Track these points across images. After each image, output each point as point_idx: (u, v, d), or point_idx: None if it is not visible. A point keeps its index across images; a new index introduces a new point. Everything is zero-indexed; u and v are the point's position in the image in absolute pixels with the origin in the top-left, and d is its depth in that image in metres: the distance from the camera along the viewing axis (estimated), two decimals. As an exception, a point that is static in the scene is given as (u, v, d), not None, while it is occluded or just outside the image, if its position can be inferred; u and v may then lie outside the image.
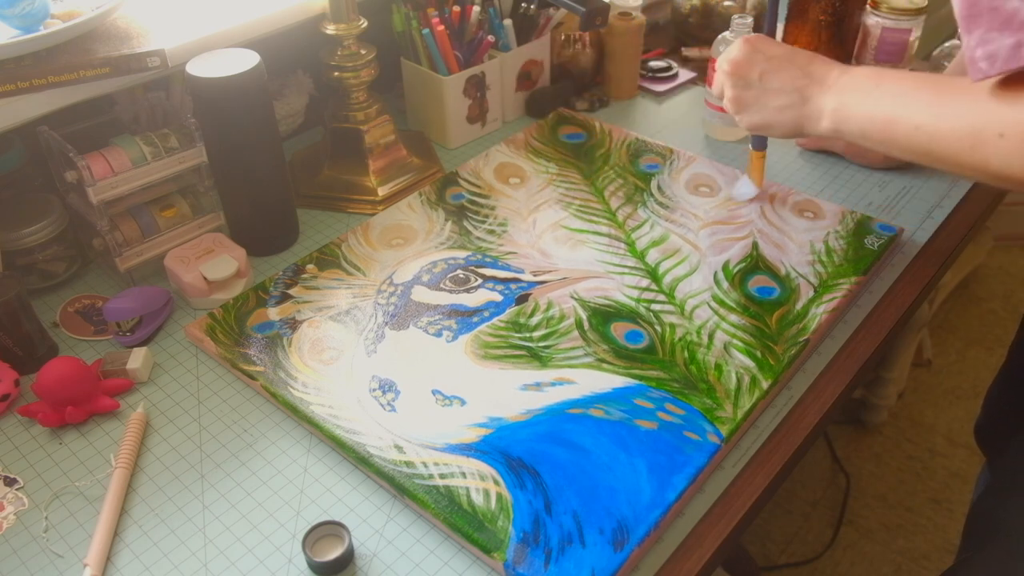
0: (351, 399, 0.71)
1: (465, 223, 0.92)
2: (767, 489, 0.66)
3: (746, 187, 0.94)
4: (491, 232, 0.90)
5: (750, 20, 1.02)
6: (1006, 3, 0.48)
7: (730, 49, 0.74)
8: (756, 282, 0.82)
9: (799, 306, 0.79)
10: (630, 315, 0.79)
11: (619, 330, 0.77)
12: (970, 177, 0.59)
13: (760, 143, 0.91)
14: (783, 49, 0.71)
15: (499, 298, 0.81)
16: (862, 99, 0.64)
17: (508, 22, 1.07)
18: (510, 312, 0.79)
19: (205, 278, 0.82)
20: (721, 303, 0.80)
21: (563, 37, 1.15)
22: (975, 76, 0.52)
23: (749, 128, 0.75)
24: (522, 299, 0.81)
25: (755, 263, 0.84)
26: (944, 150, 0.57)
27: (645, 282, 0.83)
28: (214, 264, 0.83)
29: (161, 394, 0.75)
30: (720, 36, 1.03)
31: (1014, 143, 0.51)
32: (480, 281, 0.83)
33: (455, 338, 0.77)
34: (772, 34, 0.80)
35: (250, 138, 0.84)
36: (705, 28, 1.28)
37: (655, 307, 0.79)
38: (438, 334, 0.77)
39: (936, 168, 0.62)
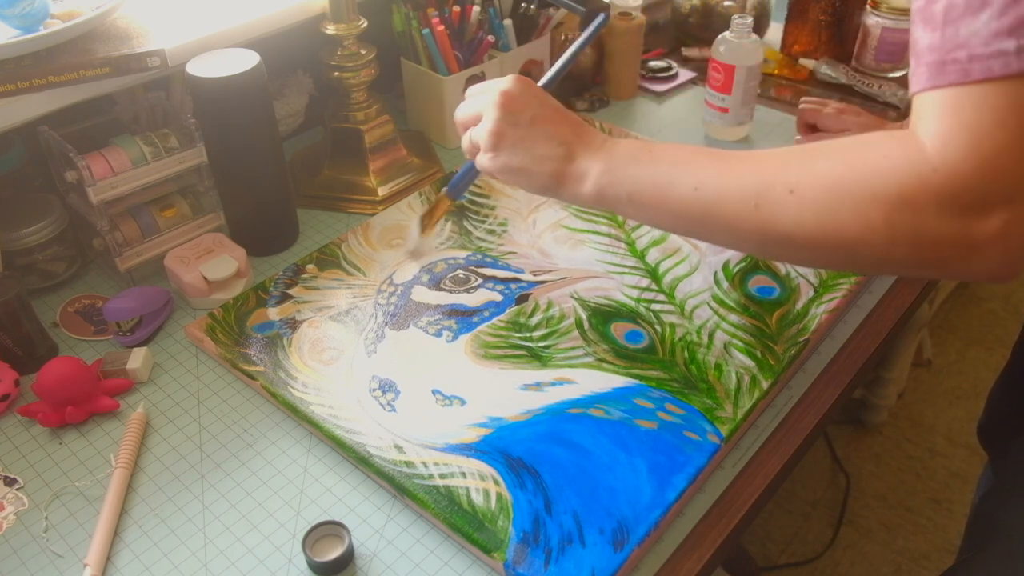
0: (351, 399, 0.71)
1: (465, 223, 0.92)
2: (767, 489, 0.66)
3: (412, 238, 0.81)
4: (491, 232, 0.90)
5: (750, 20, 1.02)
6: (913, 31, 0.48)
7: (502, 81, 0.66)
8: (756, 282, 0.82)
9: (799, 306, 0.79)
10: (630, 315, 0.79)
11: (619, 330, 0.77)
12: (748, 246, 0.55)
13: (456, 188, 0.74)
14: (559, 104, 0.66)
15: (499, 298, 0.81)
16: (632, 163, 0.59)
17: (508, 22, 1.07)
18: (510, 312, 0.79)
19: (205, 278, 0.82)
20: (721, 303, 0.80)
21: (563, 37, 1.15)
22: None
23: (499, 170, 0.65)
24: (522, 299, 0.81)
25: (755, 263, 0.84)
26: (725, 212, 0.53)
27: (645, 282, 0.83)
28: (214, 264, 0.83)
29: (161, 394, 0.75)
30: (720, 36, 1.03)
31: (806, 196, 0.49)
32: (480, 281, 0.83)
33: (455, 338, 0.77)
34: (550, 89, 0.72)
35: (250, 138, 0.84)
36: (705, 28, 1.28)
37: (655, 307, 0.79)
38: (438, 334, 0.77)
39: (710, 240, 0.58)
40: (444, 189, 0.75)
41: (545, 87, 0.71)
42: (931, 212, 0.44)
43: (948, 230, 0.44)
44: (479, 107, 0.65)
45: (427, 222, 0.79)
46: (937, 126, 0.44)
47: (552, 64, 0.74)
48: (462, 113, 0.68)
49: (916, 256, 0.46)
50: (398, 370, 0.74)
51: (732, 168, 0.54)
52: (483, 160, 0.65)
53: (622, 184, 0.59)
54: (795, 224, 0.49)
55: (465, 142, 0.68)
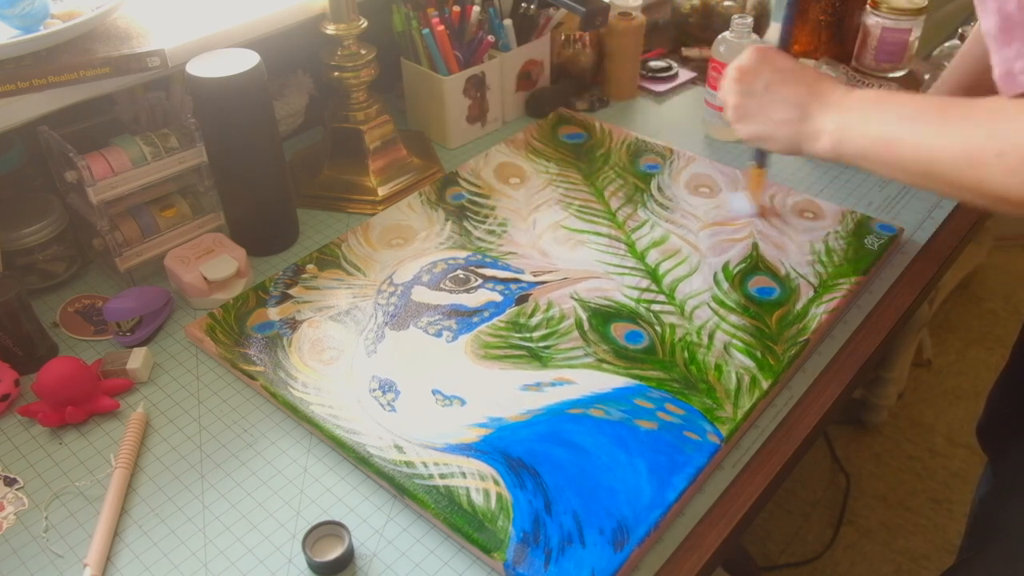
0: (351, 399, 0.71)
1: (465, 223, 0.92)
2: (767, 489, 0.66)
3: (743, 203, 0.92)
4: (491, 232, 0.90)
5: (750, 20, 1.02)
6: None
7: (740, 56, 0.73)
8: (756, 282, 0.82)
9: (799, 306, 0.79)
10: (630, 315, 0.79)
11: (619, 330, 0.77)
12: (971, 200, 0.57)
13: (762, 158, 0.89)
14: (792, 63, 0.70)
15: (499, 298, 0.81)
16: (864, 119, 0.62)
17: (508, 22, 1.07)
18: (510, 312, 0.79)
19: (205, 278, 0.82)
20: (721, 304, 0.80)
21: (563, 37, 1.15)
22: (1013, 91, 0.51)
23: (747, 138, 0.74)
24: (522, 299, 0.81)
25: (755, 264, 0.84)
26: (943, 170, 0.56)
27: (645, 283, 0.83)
28: (214, 264, 0.83)
29: (161, 394, 0.75)
30: (720, 36, 1.03)
31: (1013, 161, 0.50)
32: (480, 281, 0.83)
33: (455, 338, 0.77)
34: (785, 47, 0.79)
35: (250, 138, 0.84)
36: (705, 28, 1.28)
37: (655, 307, 0.79)
38: (438, 334, 0.77)
39: (939, 192, 0.60)
40: (751, 162, 0.89)
41: (782, 46, 0.77)
42: None
43: None
44: (725, 86, 0.73)
45: (757, 195, 0.90)
46: None
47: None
48: (720, 96, 0.76)
49: None
50: (398, 370, 0.74)
51: (950, 126, 0.55)
52: (734, 128, 0.73)
53: (853, 141, 0.62)
54: (1004, 187, 0.51)
55: (727, 118, 0.75)
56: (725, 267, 0.84)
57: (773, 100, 0.69)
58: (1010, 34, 0.51)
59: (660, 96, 1.20)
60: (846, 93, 0.65)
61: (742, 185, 0.95)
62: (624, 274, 0.84)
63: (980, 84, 0.90)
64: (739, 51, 1.01)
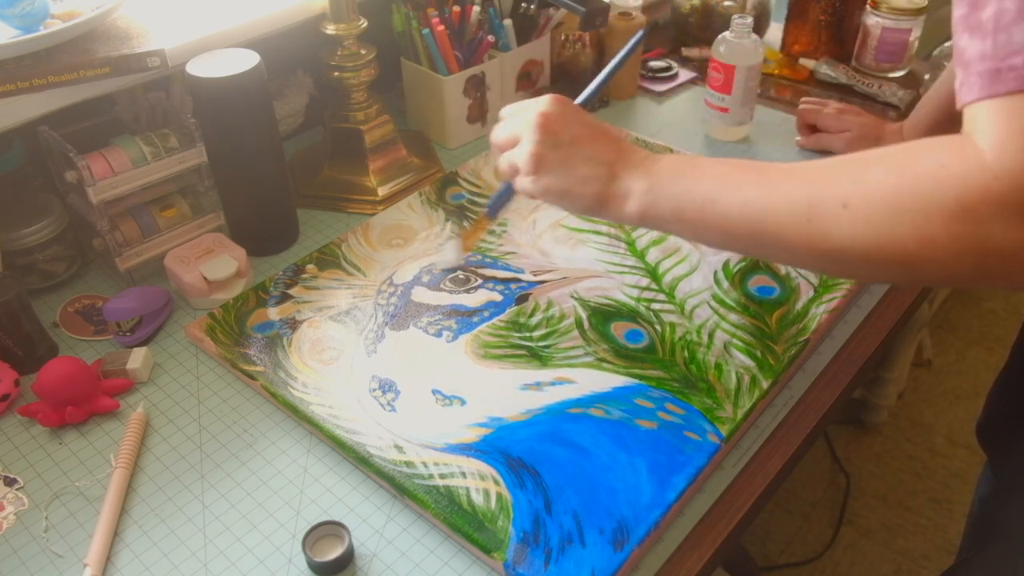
0: (351, 399, 0.71)
1: (465, 223, 0.92)
2: (767, 489, 0.66)
3: (453, 253, 0.83)
4: (491, 232, 0.90)
5: (750, 20, 1.02)
6: (958, 40, 0.46)
7: (540, 100, 0.64)
8: (756, 282, 0.82)
9: (799, 306, 0.79)
10: (630, 314, 0.79)
11: (619, 329, 0.77)
12: (801, 261, 0.54)
13: (495, 210, 0.74)
14: (596, 120, 0.65)
15: (499, 298, 0.81)
16: (676, 180, 0.58)
17: (508, 22, 1.07)
18: (510, 312, 0.79)
19: (205, 278, 0.82)
20: (721, 302, 0.80)
21: (563, 37, 1.15)
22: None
23: (542, 192, 0.64)
24: (522, 299, 0.81)
25: (755, 262, 0.84)
26: (775, 228, 0.52)
27: (645, 281, 0.83)
28: (214, 264, 0.83)
29: (161, 394, 0.75)
30: (720, 36, 1.03)
31: (860, 210, 0.47)
32: (480, 281, 0.83)
33: (455, 338, 0.77)
34: (588, 107, 0.72)
35: (250, 138, 0.84)
36: (705, 28, 1.28)
37: (655, 306, 0.79)
38: (438, 334, 0.77)
39: (759, 255, 0.56)
40: (484, 212, 0.75)
41: (582, 104, 0.70)
42: (996, 222, 0.42)
43: (1015, 239, 0.42)
44: (516, 129, 0.64)
45: (468, 244, 0.80)
46: (996, 134, 0.42)
47: (591, 81, 0.74)
48: (498, 135, 0.66)
49: (981, 268, 0.44)
50: (398, 370, 0.74)
51: (779, 182, 0.52)
52: (524, 183, 0.64)
53: (667, 202, 0.58)
54: (850, 239, 0.48)
55: (503, 164, 0.66)
56: (725, 266, 0.84)
57: (578, 155, 0.62)
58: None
59: (660, 96, 1.20)
60: (654, 156, 0.61)
61: (455, 233, 0.89)
62: (624, 273, 0.84)
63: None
64: (740, 51, 1.01)
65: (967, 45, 0.45)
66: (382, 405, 0.70)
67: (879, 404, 1.62)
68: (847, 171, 0.49)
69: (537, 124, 0.62)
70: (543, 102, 0.64)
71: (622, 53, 0.74)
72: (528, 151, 0.62)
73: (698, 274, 0.83)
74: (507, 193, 0.72)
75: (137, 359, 0.75)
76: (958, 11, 0.46)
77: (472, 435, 0.67)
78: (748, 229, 0.53)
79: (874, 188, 0.47)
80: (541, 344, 0.76)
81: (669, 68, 1.23)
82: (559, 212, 0.93)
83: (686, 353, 0.74)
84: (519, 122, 0.64)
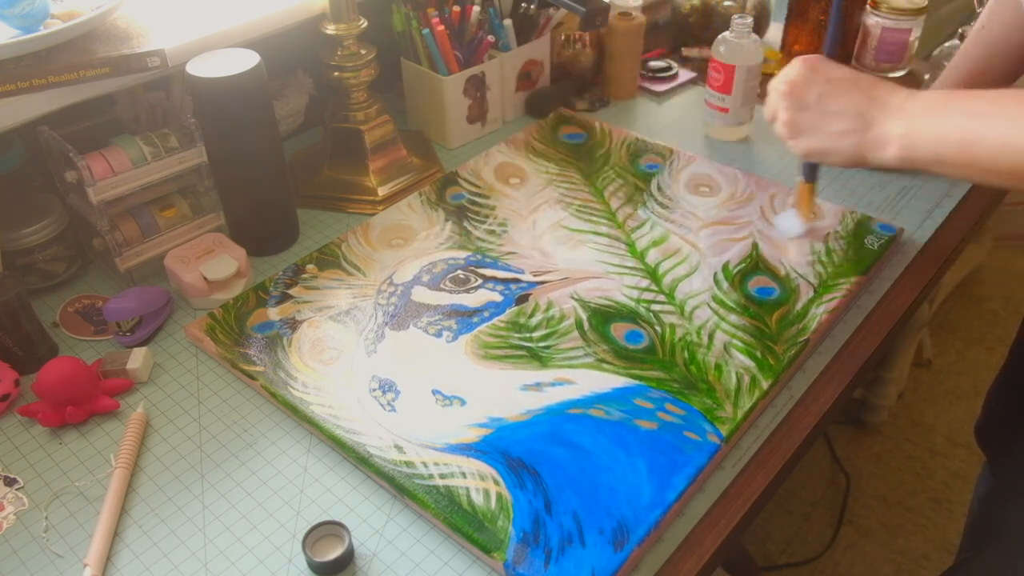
0: (351, 399, 0.71)
1: (465, 223, 0.92)
2: (767, 489, 0.66)
3: (792, 222, 0.87)
4: (491, 232, 0.90)
5: (750, 20, 1.02)
6: None
7: (787, 68, 0.68)
8: (756, 282, 0.82)
9: (799, 306, 0.79)
10: (630, 315, 0.79)
11: (619, 330, 0.77)
12: None
13: (811, 173, 0.83)
14: (844, 71, 0.67)
15: (499, 298, 0.81)
16: (934, 121, 0.58)
17: (508, 22, 1.07)
18: (510, 312, 0.79)
19: (205, 278, 0.82)
20: (721, 303, 0.80)
21: (563, 37, 1.15)
22: None
23: (804, 154, 0.69)
24: (522, 299, 0.81)
25: (755, 263, 0.84)
26: None
27: (645, 282, 0.83)
28: (214, 264, 0.83)
29: (161, 394, 0.75)
30: (720, 36, 1.03)
31: None
32: (480, 281, 0.83)
33: (455, 338, 0.77)
34: (834, 55, 0.74)
35: (250, 138, 0.84)
36: (705, 28, 1.28)
37: (655, 307, 0.79)
38: (438, 334, 0.77)
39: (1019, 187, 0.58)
40: (799, 178, 0.83)
41: (831, 54, 0.73)
42: None
43: None
44: (772, 102, 0.69)
45: (806, 210, 0.85)
46: None
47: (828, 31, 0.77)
48: (766, 113, 0.72)
49: None
50: (398, 370, 0.74)
51: None
52: (789, 145, 0.69)
53: (925, 145, 0.59)
54: None
55: (776, 135, 0.72)
56: (725, 267, 0.84)
57: (829, 112, 0.65)
58: None
59: (660, 96, 1.20)
60: (910, 96, 0.62)
61: (791, 202, 0.90)
62: (624, 274, 0.84)
63: (979, 85, 0.90)
64: (740, 51, 1.01)
65: None
66: (382, 405, 0.70)
67: (879, 404, 1.62)
68: None
69: (783, 92, 0.67)
70: (788, 68, 0.68)
71: None
72: (782, 119, 0.68)
73: (698, 275, 0.83)
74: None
75: (137, 359, 0.75)
76: None
77: (472, 435, 0.67)
78: (1012, 168, 0.54)
79: None
80: (541, 345, 0.76)
81: (669, 68, 1.23)
82: (559, 213, 0.93)
83: (686, 354, 0.74)
84: (773, 95, 0.69)
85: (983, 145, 0.55)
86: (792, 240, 0.86)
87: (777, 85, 0.69)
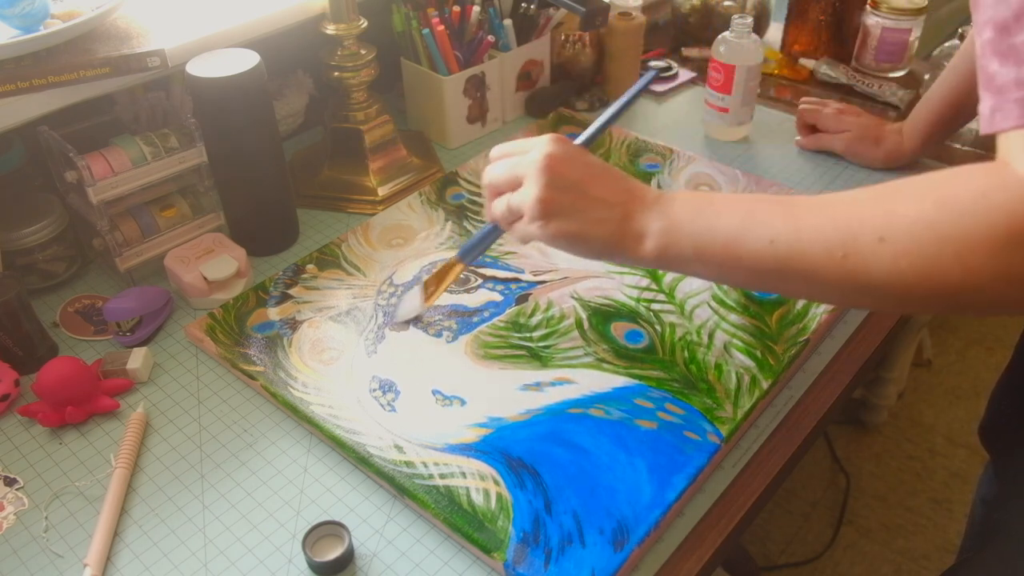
0: (351, 399, 0.71)
1: (465, 223, 0.92)
2: (767, 489, 0.66)
3: (414, 302, 0.78)
4: (491, 232, 0.90)
5: (750, 20, 1.02)
6: (988, 65, 0.45)
7: (539, 143, 0.60)
8: (756, 282, 0.82)
9: (799, 306, 0.79)
10: (630, 315, 0.79)
11: (619, 330, 0.77)
12: (832, 297, 0.52)
13: (472, 254, 0.73)
14: (599, 160, 0.61)
15: (499, 298, 0.81)
16: (696, 217, 0.55)
17: (508, 22, 1.07)
18: (510, 312, 0.79)
19: (205, 278, 0.82)
20: (721, 303, 0.80)
21: (563, 37, 1.15)
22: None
23: (552, 237, 0.60)
24: (522, 299, 0.81)
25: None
26: (806, 265, 0.50)
27: (645, 282, 0.83)
28: (214, 264, 0.83)
29: (161, 394, 0.75)
30: (720, 36, 1.03)
31: (900, 243, 0.45)
32: (480, 281, 0.83)
33: (455, 338, 0.77)
34: (588, 147, 0.68)
35: (250, 138, 0.84)
36: (705, 28, 1.28)
37: (655, 307, 0.79)
38: (438, 334, 0.77)
39: (787, 293, 0.54)
40: (456, 254, 0.73)
41: (584, 145, 0.68)
42: None
43: None
44: (517, 171, 0.61)
45: (433, 290, 0.77)
46: None
47: (592, 124, 0.70)
48: (495, 177, 0.63)
49: None
50: (398, 370, 0.74)
51: (806, 218, 0.50)
52: (531, 229, 0.61)
53: (687, 240, 0.55)
54: (890, 273, 0.46)
55: (500, 208, 0.63)
56: (725, 267, 0.84)
57: (588, 197, 0.59)
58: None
59: (660, 96, 1.20)
60: (668, 195, 0.58)
61: (422, 279, 0.80)
62: (624, 273, 0.84)
63: (967, 102, 0.90)
64: (740, 51, 1.01)
65: (998, 71, 0.44)
66: (382, 405, 0.70)
67: (879, 404, 1.62)
68: (880, 203, 0.47)
69: (543, 166, 0.59)
70: (545, 142, 0.60)
71: (625, 97, 0.71)
72: (535, 195, 0.59)
73: (698, 274, 0.83)
74: (487, 236, 0.69)
75: (137, 359, 0.75)
76: (984, 36, 0.44)
77: (472, 435, 0.67)
78: (777, 267, 0.51)
79: (912, 220, 0.45)
80: (541, 344, 0.76)
81: (669, 68, 1.23)
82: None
83: (686, 353, 0.74)
84: (519, 163, 0.61)
85: (747, 242, 0.52)
86: (395, 324, 0.78)
87: (533, 157, 0.60)
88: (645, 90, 0.73)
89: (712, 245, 0.54)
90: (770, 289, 0.55)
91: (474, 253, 0.73)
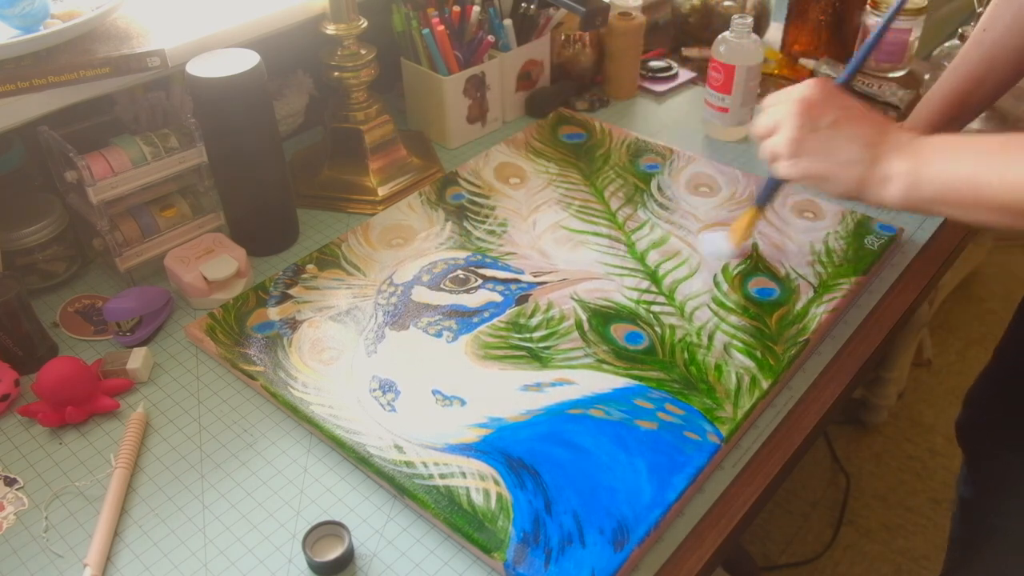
0: (351, 399, 0.71)
1: (465, 223, 0.92)
2: (767, 489, 0.66)
3: (723, 244, 0.85)
4: (491, 232, 0.90)
5: (750, 20, 1.02)
6: None
7: (800, 87, 0.65)
8: (756, 283, 0.82)
9: (799, 306, 0.79)
10: (630, 316, 0.79)
11: (619, 331, 0.77)
12: None
13: (766, 199, 0.81)
14: (857, 102, 0.65)
15: (499, 299, 0.81)
16: (939, 160, 0.58)
17: (508, 22, 1.07)
18: (510, 313, 0.79)
19: (205, 278, 0.82)
20: (721, 304, 0.80)
21: (563, 37, 1.15)
22: None
23: (801, 175, 0.66)
24: (522, 300, 0.81)
25: (755, 264, 0.84)
26: None
27: (645, 284, 0.83)
28: (214, 264, 0.83)
29: (161, 394, 0.75)
30: (720, 36, 1.03)
31: None
32: (480, 281, 0.83)
33: (455, 338, 0.77)
34: (848, 86, 0.72)
35: (250, 138, 0.84)
36: (705, 28, 1.28)
37: (655, 308, 0.79)
38: (438, 334, 0.77)
39: None
40: (754, 203, 0.80)
41: (844, 84, 0.71)
42: None
43: None
44: (776, 117, 0.66)
45: (740, 236, 0.83)
46: None
47: (852, 58, 0.75)
48: (760, 126, 0.68)
49: None
50: (398, 370, 0.74)
51: None
52: (784, 167, 0.66)
53: (929, 185, 0.58)
54: None
55: (764, 151, 0.68)
56: (725, 268, 0.84)
57: (839, 138, 0.63)
58: None
59: (660, 96, 1.20)
60: (920, 138, 0.61)
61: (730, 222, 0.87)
62: (624, 275, 0.84)
63: (967, 102, 0.90)
64: (740, 51, 1.01)
65: None
66: (382, 405, 0.70)
67: (879, 404, 1.62)
68: None
69: (796, 110, 0.64)
70: (802, 87, 0.65)
71: (888, 16, 0.75)
72: (787, 136, 0.64)
73: (698, 277, 0.83)
74: (775, 183, 0.75)
75: (137, 359, 0.75)
76: None
77: (472, 435, 0.67)
78: (1019, 208, 0.54)
79: None
80: (541, 345, 0.76)
81: (669, 68, 1.23)
82: (559, 213, 0.93)
83: (686, 354, 0.74)
84: (779, 111, 0.66)
85: (988, 185, 0.55)
86: (718, 259, 0.84)
87: (788, 101, 0.65)
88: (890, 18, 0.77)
89: (953, 189, 0.57)
90: (1012, 227, 0.58)
91: (764, 198, 0.81)
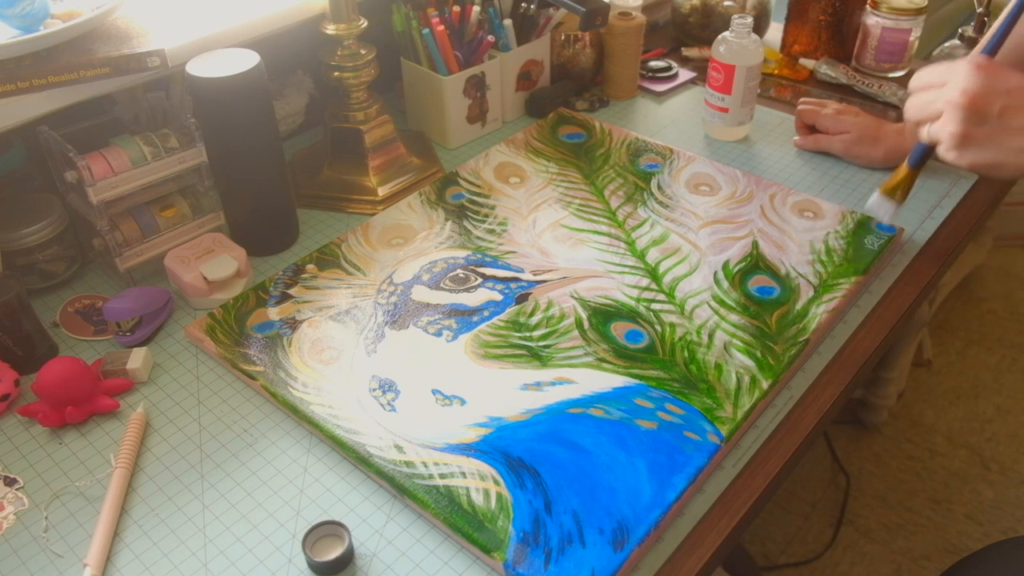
0: (351, 399, 0.71)
1: (465, 223, 0.92)
2: (767, 489, 0.66)
3: (885, 205, 0.85)
4: (491, 231, 0.90)
5: (750, 20, 1.02)
6: None
7: (959, 75, 0.63)
8: (756, 282, 0.82)
9: (799, 306, 0.79)
10: (630, 315, 0.79)
11: (619, 330, 0.77)
12: None
13: (920, 161, 0.80)
14: (1022, 80, 0.63)
15: (499, 297, 0.81)
16: None
17: (508, 22, 1.07)
18: (510, 311, 0.79)
19: (205, 278, 0.82)
20: (721, 303, 0.80)
21: (563, 37, 1.15)
22: None
23: (968, 166, 0.65)
24: (522, 298, 0.81)
25: (755, 263, 0.84)
26: None
27: (645, 281, 0.83)
28: (214, 264, 0.83)
29: (161, 394, 0.75)
30: (720, 36, 1.03)
31: None
32: (480, 280, 0.83)
33: (455, 338, 0.77)
34: (998, 47, 0.71)
35: (250, 138, 0.84)
36: (705, 28, 1.28)
37: (655, 307, 0.79)
38: (438, 334, 0.77)
39: None
40: (907, 162, 0.81)
41: (992, 49, 0.70)
42: None
43: None
44: (936, 104, 0.64)
45: (901, 195, 0.83)
46: None
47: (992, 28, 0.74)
48: (916, 110, 0.67)
49: None
50: (398, 370, 0.74)
51: None
52: (951, 156, 0.65)
53: None
54: None
55: (924, 134, 0.67)
56: (725, 266, 0.84)
57: (1010, 127, 0.61)
58: None
59: (660, 96, 1.20)
60: None
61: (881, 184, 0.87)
62: (624, 273, 0.84)
63: None
64: (740, 51, 1.01)
65: None
66: (382, 405, 0.70)
67: (879, 404, 1.62)
68: None
69: (961, 105, 0.62)
70: (964, 75, 0.63)
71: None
72: (951, 131, 0.63)
73: (698, 274, 0.83)
74: (929, 149, 0.75)
75: (137, 359, 0.75)
76: None
77: (472, 435, 0.67)
78: None
79: None
80: (541, 344, 0.76)
81: (669, 68, 1.23)
82: (559, 212, 0.93)
83: (686, 353, 0.74)
84: (939, 98, 0.64)
85: None
86: (882, 217, 0.86)
87: (951, 93, 0.63)
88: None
89: None
90: None
91: (917, 161, 0.80)
